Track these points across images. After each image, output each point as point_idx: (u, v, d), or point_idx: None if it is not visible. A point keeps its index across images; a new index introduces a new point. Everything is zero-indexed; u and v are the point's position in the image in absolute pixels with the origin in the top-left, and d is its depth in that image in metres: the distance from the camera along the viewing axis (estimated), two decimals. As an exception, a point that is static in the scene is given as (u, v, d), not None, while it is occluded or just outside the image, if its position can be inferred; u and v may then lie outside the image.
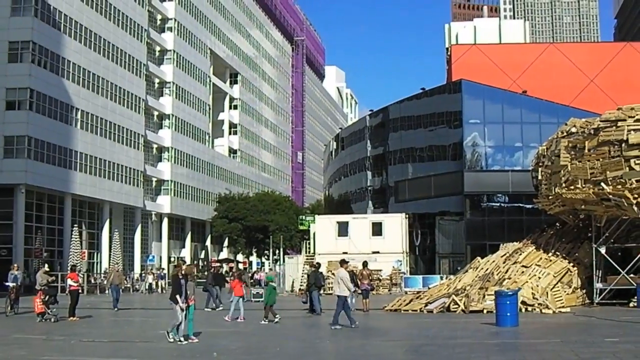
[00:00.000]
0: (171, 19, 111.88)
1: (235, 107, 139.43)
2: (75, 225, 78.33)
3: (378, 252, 65.12)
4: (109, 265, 79.48)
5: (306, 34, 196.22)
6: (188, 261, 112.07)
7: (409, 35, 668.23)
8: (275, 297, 31.94)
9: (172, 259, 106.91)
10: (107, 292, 54.07)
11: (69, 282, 36.42)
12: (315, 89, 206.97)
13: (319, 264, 41.76)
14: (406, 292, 51.30)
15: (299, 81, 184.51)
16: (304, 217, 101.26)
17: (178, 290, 22.59)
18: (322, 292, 40.87)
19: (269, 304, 30.97)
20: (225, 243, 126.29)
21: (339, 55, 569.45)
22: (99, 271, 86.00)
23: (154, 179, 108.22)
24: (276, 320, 30.43)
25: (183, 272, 22.91)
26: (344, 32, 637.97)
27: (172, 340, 22.36)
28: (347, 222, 70.56)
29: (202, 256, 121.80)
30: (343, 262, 31.37)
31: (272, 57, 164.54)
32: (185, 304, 22.50)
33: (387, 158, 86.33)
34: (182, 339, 22.47)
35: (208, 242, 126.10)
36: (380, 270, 62.28)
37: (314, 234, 73.26)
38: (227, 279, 49.49)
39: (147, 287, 73.79)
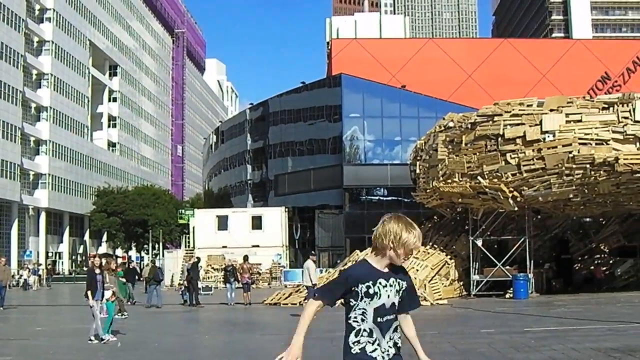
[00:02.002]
0: (50, 9, 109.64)
1: (115, 100, 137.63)
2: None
3: (258, 246, 65.04)
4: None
5: (187, 27, 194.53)
6: (66, 257, 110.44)
7: (290, 29, 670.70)
8: (124, 292, 31.66)
9: (50, 254, 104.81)
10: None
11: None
12: (195, 81, 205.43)
13: (198, 259, 41.61)
14: (286, 286, 51.31)
15: (179, 74, 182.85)
16: (183, 211, 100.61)
17: (91, 284, 20.91)
18: (201, 286, 40.67)
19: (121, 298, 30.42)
20: (104, 237, 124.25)
21: (220, 49, 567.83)
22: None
23: (32, 173, 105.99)
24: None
25: (97, 264, 21.34)
26: (225, 25, 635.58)
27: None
28: (226, 216, 70.36)
29: (81, 251, 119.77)
30: (311, 254, 32.41)
31: (153, 49, 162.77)
32: (100, 300, 21.26)
33: (267, 151, 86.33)
34: (92, 337, 20.98)
35: (87, 237, 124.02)
36: (260, 264, 62.21)
37: (194, 228, 72.77)
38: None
39: (22, 283, 72.02)
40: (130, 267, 44.26)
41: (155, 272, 38.34)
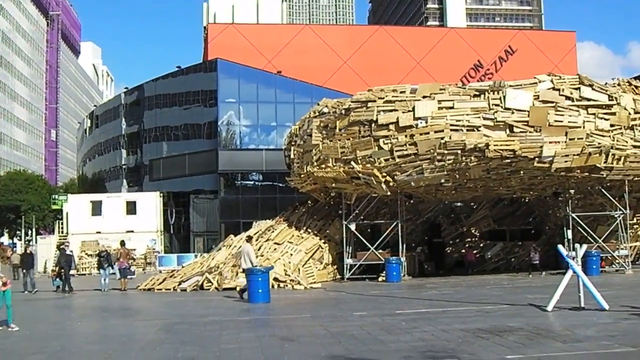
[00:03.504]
0: None
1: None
2: None
3: (132, 231, 64.35)
4: None
5: (62, 9, 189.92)
6: None
7: (168, 13, 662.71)
8: None
9: None
10: None
11: None
12: (70, 65, 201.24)
13: (67, 244, 40.93)
14: (160, 271, 50.86)
15: (53, 57, 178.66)
16: (57, 197, 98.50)
17: None
18: (75, 272, 39.94)
19: None
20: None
21: (96, 32, 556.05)
22: None
23: None
24: None
25: None
26: (102, 8, 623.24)
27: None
28: (100, 201, 69.44)
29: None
30: (250, 239, 33.07)
31: (26, 31, 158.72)
32: None
33: (142, 136, 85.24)
34: None
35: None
36: (135, 250, 61.48)
37: (67, 213, 71.44)
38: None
39: None
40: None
41: (27, 258, 37.61)
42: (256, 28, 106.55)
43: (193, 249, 72.77)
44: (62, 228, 73.57)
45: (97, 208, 68.50)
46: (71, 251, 41.59)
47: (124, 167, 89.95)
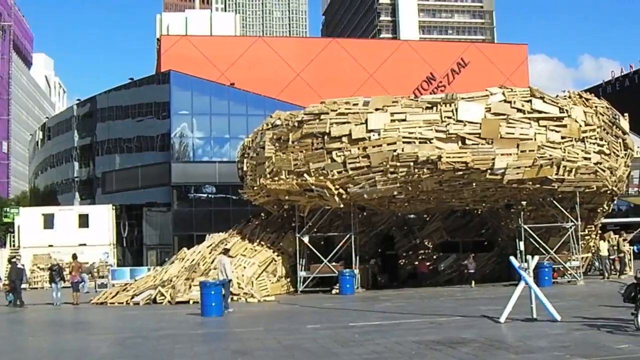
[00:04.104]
0: None
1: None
2: None
3: (85, 245, 63.77)
4: None
5: (14, 20, 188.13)
6: None
7: (121, 25, 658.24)
8: None
9: None
10: None
11: None
12: (22, 76, 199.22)
13: (19, 258, 40.51)
14: (113, 285, 50.39)
15: (4, 68, 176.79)
16: (8, 210, 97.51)
17: None
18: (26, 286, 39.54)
19: None
20: None
21: (48, 43, 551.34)
22: None
23: None
24: None
25: None
26: (55, 19, 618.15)
27: None
28: (53, 214, 68.79)
29: None
30: (226, 251, 33.58)
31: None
32: None
33: (94, 148, 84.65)
34: None
35: None
36: (87, 263, 60.90)
37: (19, 226, 70.72)
38: None
39: None
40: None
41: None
42: (209, 40, 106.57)
43: (146, 262, 72.30)
44: (13, 241, 72.80)
45: (49, 221, 67.89)
46: (22, 265, 41.15)
47: (76, 179, 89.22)
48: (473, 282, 42.21)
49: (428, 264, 48.58)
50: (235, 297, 35.58)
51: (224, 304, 29.43)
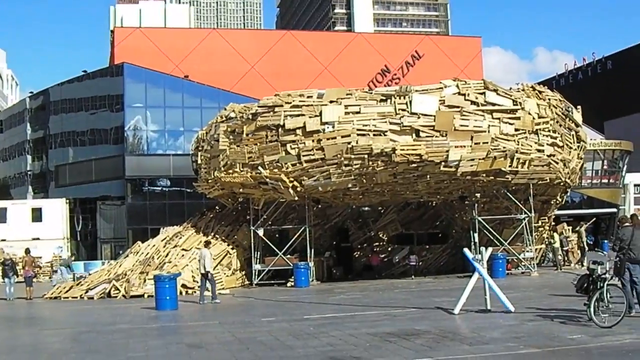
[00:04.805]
0: None
1: None
2: None
3: (38, 239, 63.14)
4: None
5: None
6: None
7: (75, 16, 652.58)
8: None
9: None
10: None
11: None
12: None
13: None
14: (68, 279, 50.02)
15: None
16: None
17: None
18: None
19: None
20: None
21: (0, 35, 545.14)
22: None
23: None
24: None
25: None
26: (6, 11, 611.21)
27: None
28: (5, 208, 67.87)
29: None
30: (207, 243, 33.53)
31: None
32: None
33: (47, 142, 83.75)
34: None
35: None
36: (41, 257, 60.36)
37: (-29, 221, 69.84)
38: None
39: None
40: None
41: None
42: (163, 32, 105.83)
43: (100, 256, 71.79)
44: (-35, 236, 71.96)
45: (1, 215, 67.04)
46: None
47: (29, 173, 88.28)
48: (413, 275, 43.10)
49: (383, 256, 48.77)
50: (190, 291, 35.55)
51: (211, 295, 30.38)
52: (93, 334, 21.14)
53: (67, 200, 69.39)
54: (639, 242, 19.29)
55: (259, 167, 36.43)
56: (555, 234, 45.44)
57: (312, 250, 40.67)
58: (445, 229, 49.71)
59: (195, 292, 35.17)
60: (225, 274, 39.36)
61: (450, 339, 16.76)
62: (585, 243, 47.48)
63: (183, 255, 38.65)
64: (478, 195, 41.63)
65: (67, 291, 37.60)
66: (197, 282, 35.87)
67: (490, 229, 40.26)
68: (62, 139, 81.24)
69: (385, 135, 34.53)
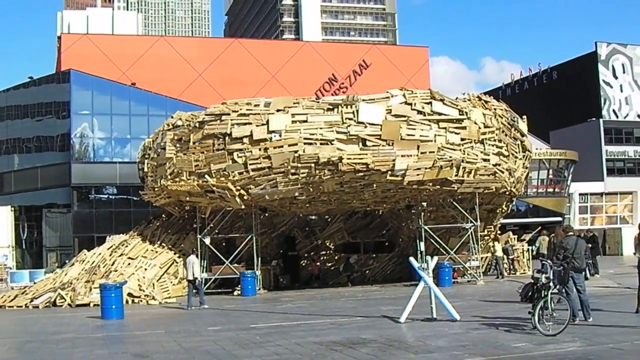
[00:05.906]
0: None
1: None
2: None
3: (-18, 247, 62.55)
4: None
5: None
6: None
7: (20, 21, 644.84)
8: None
9: None
10: None
11: None
12: None
13: None
14: (12, 288, 49.50)
15: None
16: None
17: None
18: None
19: None
20: None
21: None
22: None
23: None
24: None
25: None
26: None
27: None
28: (-52, 217, 67.15)
29: None
30: (194, 251, 34.35)
31: None
32: None
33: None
34: None
35: None
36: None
37: None
38: None
39: None
40: None
41: None
42: (110, 39, 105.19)
43: (46, 264, 71.07)
44: None
45: (-55, 223, 66.43)
46: None
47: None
48: (349, 283, 44.04)
49: (329, 264, 48.93)
50: (136, 300, 35.36)
51: (199, 299, 31.21)
52: (37, 343, 20.97)
53: (12, 208, 68.72)
54: (582, 251, 19.63)
55: (206, 176, 36.37)
56: (496, 243, 45.77)
57: (259, 259, 40.72)
58: (392, 238, 49.98)
59: (141, 300, 35.03)
60: (171, 282, 39.24)
61: (396, 348, 16.87)
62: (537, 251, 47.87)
63: (129, 264, 38.45)
64: (424, 204, 41.95)
65: (11, 300, 37.23)
66: (143, 291, 35.77)
67: (437, 238, 40.56)
68: (7, 145, 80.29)
69: (332, 144, 34.64)
